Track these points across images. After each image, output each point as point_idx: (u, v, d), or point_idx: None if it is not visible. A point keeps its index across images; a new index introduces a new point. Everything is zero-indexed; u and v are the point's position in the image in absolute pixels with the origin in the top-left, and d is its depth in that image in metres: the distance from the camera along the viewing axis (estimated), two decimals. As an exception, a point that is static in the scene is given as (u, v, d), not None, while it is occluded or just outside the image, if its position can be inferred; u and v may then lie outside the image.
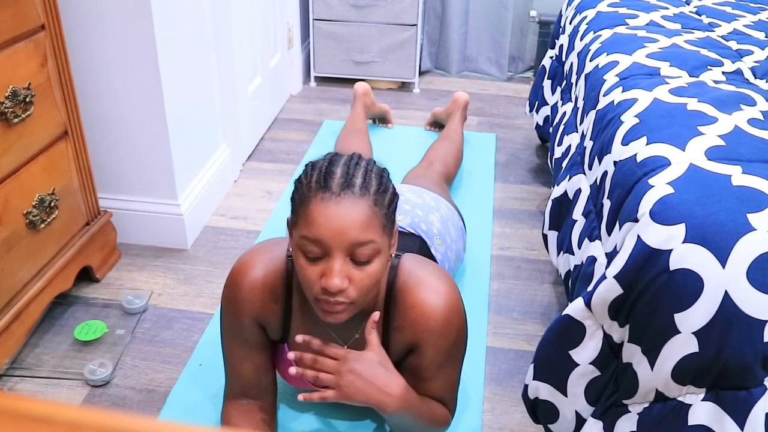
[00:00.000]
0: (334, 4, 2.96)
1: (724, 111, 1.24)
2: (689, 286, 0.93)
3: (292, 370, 1.12)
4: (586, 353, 1.12)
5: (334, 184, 1.02)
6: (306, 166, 1.09)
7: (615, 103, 1.39)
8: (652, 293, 0.98)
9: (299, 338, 1.13)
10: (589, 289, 1.10)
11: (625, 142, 1.23)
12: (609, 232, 1.19)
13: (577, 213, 1.43)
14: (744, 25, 1.89)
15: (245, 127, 2.41)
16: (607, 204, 1.22)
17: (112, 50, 1.71)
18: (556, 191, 1.59)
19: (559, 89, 2.17)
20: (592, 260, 1.24)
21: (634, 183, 1.11)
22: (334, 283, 1.01)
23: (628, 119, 1.29)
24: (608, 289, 1.04)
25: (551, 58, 2.35)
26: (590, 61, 1.72)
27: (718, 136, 1.15)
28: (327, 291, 1.03)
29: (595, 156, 1.39)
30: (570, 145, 1.72)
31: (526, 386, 1.24)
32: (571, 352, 1.13)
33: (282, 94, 2.93)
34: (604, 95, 1.48)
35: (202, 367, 1.54)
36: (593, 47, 1.76)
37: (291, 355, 1.13)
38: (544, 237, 1.65)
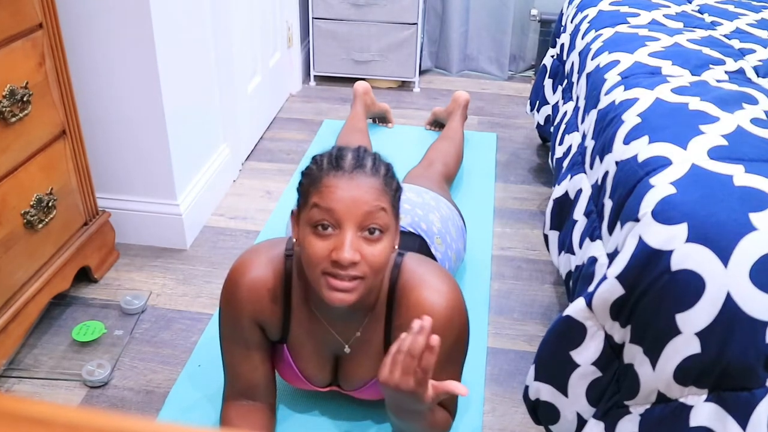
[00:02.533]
0: (333, 3, 2.96)
1: (726, 110, 1.24)
2: (691, 286, 0.93)
3: None
4: (587, 354, 1.11)
5: (346, 164, 1.05)
6: (313, 157, 1.11)
7: (616, 103, 1.39)
8: (654, 294, 0.97)
9: None
10: (590, 289, 1.09)
11: (627, 141, 1.23)
12: (610, 232, 1.18)
13: (578, 213, 1.42)
14: (747, 24, 1.89)
15: (244, 127, 2.40)
16: (608, 204, 1.22)
17: (110, 49, 1.71)
18: (557, 191, 1.59)
19: (560, 88, 2.16)
20: (593, 260, 1.23)
21: (636, 183, 1.11)
22: (345, 255, 1.01)
23: (630, 118, 1.28)
24: (609, 290, 1.03)
25: (552, 57, 2.34)
26: (591, 60, 1.71)
27: (721, 135, 1.14)
28: (338, 264, 1.03)
29: (596, 155, 1.38)
30: (571, 145, 1.72)
31: (526, 387, 1.24)
32: (572, 353, 1.13)
33: (281, 94, 2.93)
34: (605, 94, 1.48)
35: (201, 368, 1.54)
36: (594, 46, 1.76)
37: None
38: (545, 237, 1.64)
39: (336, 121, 2.79)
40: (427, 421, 1.20)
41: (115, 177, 1.89)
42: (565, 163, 1.69)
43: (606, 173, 1.27)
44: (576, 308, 1.10)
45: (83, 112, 1.77)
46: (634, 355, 1.03)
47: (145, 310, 1.72)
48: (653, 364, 0.99)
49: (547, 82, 2.31)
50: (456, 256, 1.68)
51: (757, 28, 1.85)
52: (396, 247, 1.13)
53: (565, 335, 1.13)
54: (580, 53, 1.88)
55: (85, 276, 1.78)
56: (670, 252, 0.95)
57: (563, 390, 1.16)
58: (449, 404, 1.27)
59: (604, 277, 1.05)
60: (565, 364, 1.14)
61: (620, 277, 1.02)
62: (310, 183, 1.07)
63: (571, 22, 2.16)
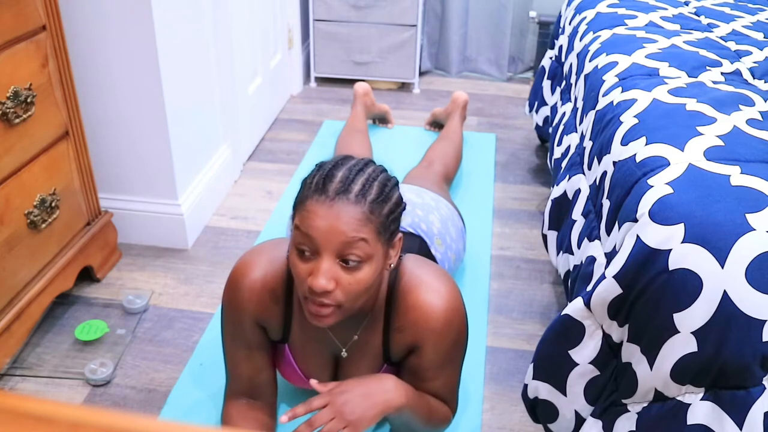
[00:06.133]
0: (334, 5, 2.97)
1: (722, 111, 1.25)
2: (688, 285, 0.94)
3: None
4: (585, 353, 1.12)
5: (331, 188, 1.02)
6: (316, 165, 1.09)
7: (614, 104, 1.40)
8: (652, 293, 0.98)
9: (284, 419, 1.07)
10: (589, 288, 1.10)
11: (625, 142, 1.24)
12: (608, 232, 1.19)
13: (577, 213, 1.43)
14: (743, 26, 1.90)
15: (245, 128, 2.41)
16: (606, 204, 1.23)
17: (112, 51, 1.72)
18: (556, 191, 1.60)
19: (558, 89, 2.17)
20: (591, 260, 1.24)
21: (634, 183, 1.12)
22: (319, 283, 1.01)
23: (628, 119, 1.29)
24: (607, 289, 1.04)
25: (551, 58, 2.35)
26: (590, 61, 1.72)
27: (717, 136, 1.15)
28: (312, 291, 1.03)
29: (594, 156, 1.39)
30: (569, 146, 1.73)
31: (525, 386, 1.25)
32: (570, 352, 1.14)
33: (282, 95, 2.93)
34: (603, 95, 1.49)
35: (202, 367, 1.55)
36: (593, 48, 1.77)
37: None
38: (544, 237, 1.65)
39: (336, 122, 2.80)
40: (425, 413, 1.21)
41: (117, 177, 1.90)
42: (564, 164, 1.70)
43: (604, 174, 1.28)
44: (574, 307, 1.11)
45: (86, 113, 1.78)
46: (631, 353, 1.04)
47: (147, 309, 1.73)
48: (651, 362, 1.00)
49: (546, 84, 2.32)
50: (456, 257, 1.68)
51: (753, 30, 1.86)
52: (391, 264, 1.12)
53: (563, 334, 1.14)
54: (578, 55, 1.89)
55: (87, 276, 1.79)
56: (667, 252, 0.96)
57: (562, 388, 1.17)
58: (450, 400, 1.28)
59: (603, 277, 1.06)
60: (564, 362, 1.15)
61: (618, 277, 1.02)
62: (299, 200, 1.06)
63: (570, 23, 2.17)
